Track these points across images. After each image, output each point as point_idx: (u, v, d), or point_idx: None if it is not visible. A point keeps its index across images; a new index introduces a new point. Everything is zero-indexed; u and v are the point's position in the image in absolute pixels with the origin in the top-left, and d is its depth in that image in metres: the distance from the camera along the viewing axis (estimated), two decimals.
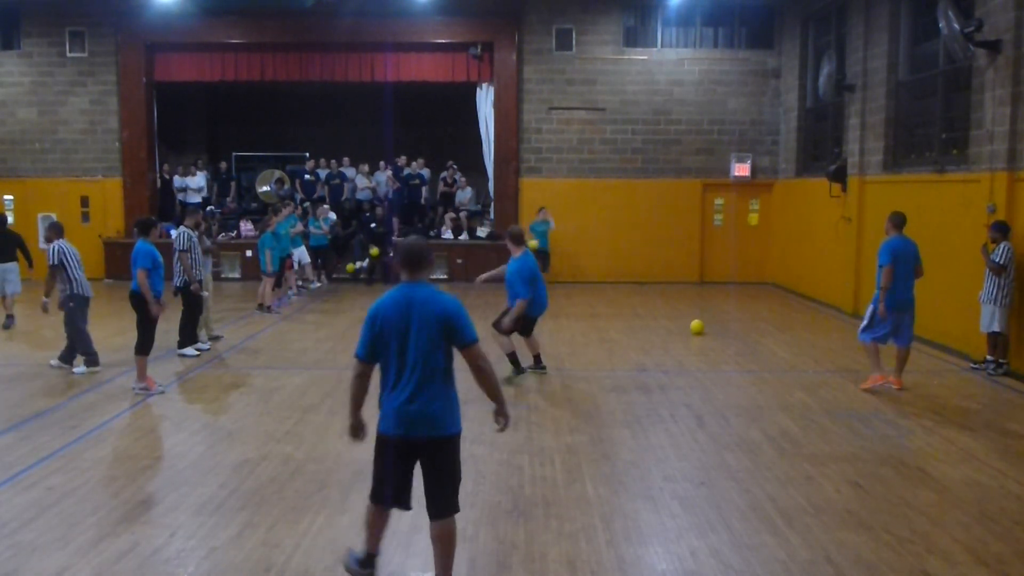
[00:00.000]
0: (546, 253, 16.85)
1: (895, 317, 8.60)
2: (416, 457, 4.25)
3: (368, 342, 4.23)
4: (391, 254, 17.67)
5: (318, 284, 17.10)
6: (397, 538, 5.06)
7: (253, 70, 18.66)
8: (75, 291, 9.28)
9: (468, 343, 4.18)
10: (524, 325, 9.21)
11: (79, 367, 9.45)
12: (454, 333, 4.17)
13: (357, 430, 4.41)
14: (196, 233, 10.52)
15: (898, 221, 8.74)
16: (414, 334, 4.11)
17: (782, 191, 17.81)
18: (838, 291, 14.54)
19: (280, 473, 6.22)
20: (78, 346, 9.44)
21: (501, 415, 4.35)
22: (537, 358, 9.53)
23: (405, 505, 4.38)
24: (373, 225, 17.82)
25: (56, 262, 9.19)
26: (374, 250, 17.41)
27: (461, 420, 4.31)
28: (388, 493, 4.34)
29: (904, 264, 8.55)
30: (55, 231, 9.58)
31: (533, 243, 16.23)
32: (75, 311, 9.32)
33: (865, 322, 8.80)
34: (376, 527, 4.51)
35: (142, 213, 15.76)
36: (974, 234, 10.21)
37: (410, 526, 5.18)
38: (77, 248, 9.56)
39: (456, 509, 4.31)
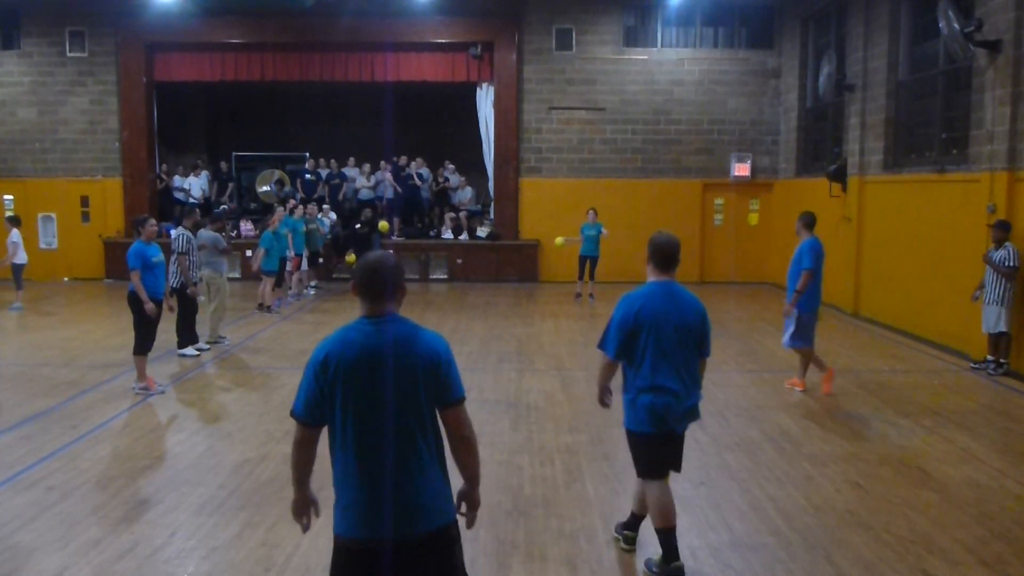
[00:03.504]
0: (594, 259, 15.38)
1: (810, 319, 8.40)
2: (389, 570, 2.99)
3: (313, 398, 3.01)
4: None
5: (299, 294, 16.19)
6: None
7: (253, 70, 18.67)
8: None
9: (454, 401, 3.08)
10: None
11: None
12: (439, 386, 3.04)
13: (303, 508, 3.24)
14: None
15: (809, 221, 8.51)
16: (384, 388, 2.96)
17: (782, 191, 17.81)
18: (838, 291, 14.53)
19: (280, 473, 6.21)
20: None
21: (473, 500, 3.24)
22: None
23: None
24: (358, 226, 16.58)
25: None
26: (350, 257, 16.21)
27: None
28: None
29: (821, 266, 8.39)
30: None
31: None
32: None
33: (792, 328, 8.49)
34: None
35: (142, 213, 15.75)
36: (974, 234, 10.21)
37: None
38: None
39: None
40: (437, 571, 3.04)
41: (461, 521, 3.21)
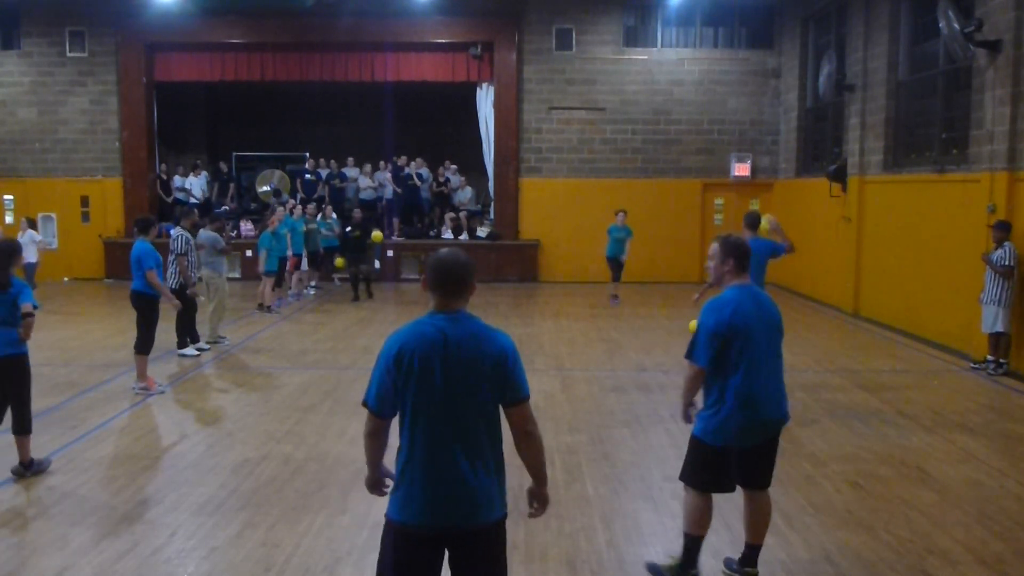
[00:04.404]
0: (619, 263, 15.00)
1: None
2: (441, 557, 3.14)
3: (385, 389, 3.09)
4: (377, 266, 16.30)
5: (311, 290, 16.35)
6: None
7: (253, 70, 18.67)
8: None
9: (520, 399, 3.14)
10: None
11: None
12: (506, 384, 3.10)
13: (378, 484, 3.33)
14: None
15: (751, 221, 8.41)
16: (452, 383, 3.03)
17: (782, 191, 17.81)
18: (838, 291, 14.54)
19: (280, 473, 6.22)
20: None
21: (542, 497, 3.29)
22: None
23: None
24: (348, 229, 15.78)
25: None
26: (339, 261, 15.87)
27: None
28: None
29: (757, 266, 8.08)
30: None
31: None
32: None
33: None
34: None
35: (142, 213, 15.74)
36: (974, 234, 10.21)
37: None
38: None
39: None
40: (486, 563, 3.13)
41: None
